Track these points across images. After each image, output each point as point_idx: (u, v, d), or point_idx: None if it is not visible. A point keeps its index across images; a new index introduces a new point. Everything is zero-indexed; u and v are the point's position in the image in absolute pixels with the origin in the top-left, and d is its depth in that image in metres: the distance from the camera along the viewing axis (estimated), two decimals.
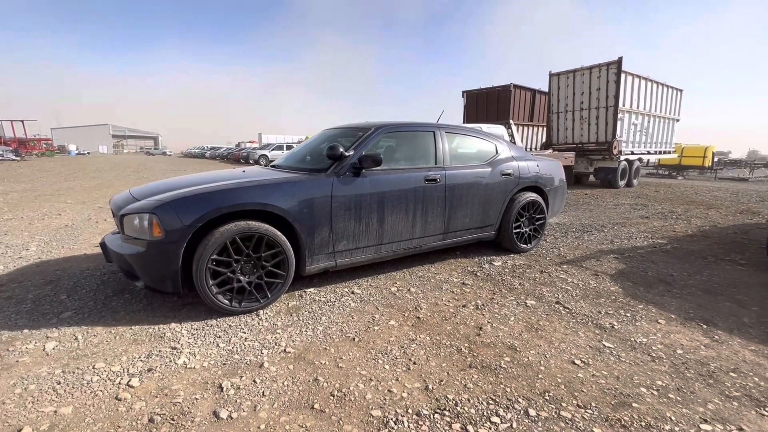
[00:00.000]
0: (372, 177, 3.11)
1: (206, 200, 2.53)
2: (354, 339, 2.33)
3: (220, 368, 2.05)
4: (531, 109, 14.44)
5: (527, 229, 4.27)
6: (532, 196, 4.22)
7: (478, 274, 3.46)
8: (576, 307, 2.78)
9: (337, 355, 2.16)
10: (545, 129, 12.71)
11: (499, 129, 8.82)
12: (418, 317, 2.60)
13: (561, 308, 2.76)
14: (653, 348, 2.25)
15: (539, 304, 2.83)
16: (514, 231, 4.08)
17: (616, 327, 2.49)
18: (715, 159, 19.20)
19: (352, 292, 2.99)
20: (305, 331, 2.42)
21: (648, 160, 13.82)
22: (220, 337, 2.34)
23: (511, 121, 10.51)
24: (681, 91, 12.23)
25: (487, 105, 14.20)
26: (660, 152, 12.12)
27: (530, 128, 13.79)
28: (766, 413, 1.75)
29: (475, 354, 2.17)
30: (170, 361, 2.11)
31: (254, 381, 1.96)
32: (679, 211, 7.04)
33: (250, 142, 43.88)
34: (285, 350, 2.21)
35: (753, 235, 5.06)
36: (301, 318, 2.58)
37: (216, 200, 2.54)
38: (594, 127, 10.31)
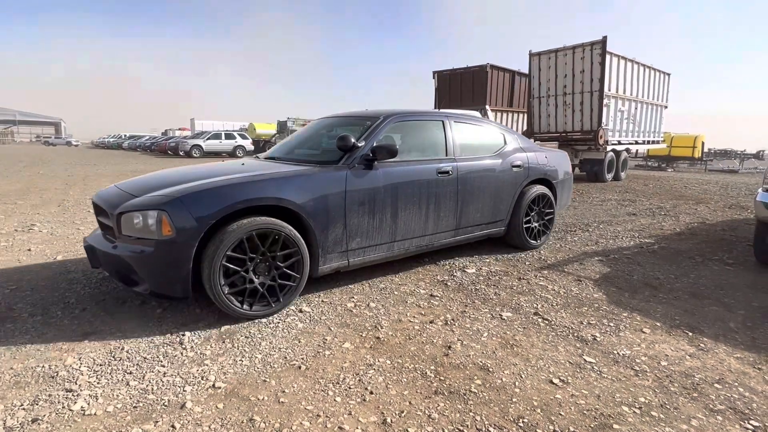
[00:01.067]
0: (384, 169, 3.38)
1: (220, 195, 2.69)
2: (300, 367, 2.29)
3: (129, 413, 1.95)
4: (510, 93, 14.94)
5: (537, 224, 4.68)
6: (541, 189, 4.61)
7: (449, 283, 3.53)
8: (556, 318, 2.89)
9: (279, 388, 2.12)
10: (526, 116, 13.20)
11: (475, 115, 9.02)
12: (378, 337, 2.61)
13: (540, 320, 2.87)
14: (637, 361, 2.38)
15: (516, 317, 2.92)
16: (524, 226, 4.47)
17: (598, 339, 2.61)
18: (705, 149, 20.77)
19: (300, 311, 2.95)
20: (240, 360, 2.36)
21: (636, 150, 14.70)
22: (131, 373, 2.23)
23: (487, 107, 10.84)
24: (668, 74, 13.11)
25: (461, 88, 14.54)
26: (648, 142, 12.93)
27: (509, 114, 14.26)
28: (750, 427, 1.91)
29: (442, 378, 2.20)
30: (63, 407, 1.98)
31: (173, 426, 1.88)
32: (667, 207, 7.55)
33: (180, 129, 42.34)
34: (214, 385, 2.14)
35: (741, 231, 5.54)
36: (235, 344, 2.52)
37: (230, 195, 2.71)
38: (578, 114, 10.83)
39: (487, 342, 2.57)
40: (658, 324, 2.84)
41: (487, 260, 4.19)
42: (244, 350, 2.46)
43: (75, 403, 2.01)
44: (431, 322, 2.82)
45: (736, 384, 2.20)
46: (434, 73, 15.44)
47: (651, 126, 12.79)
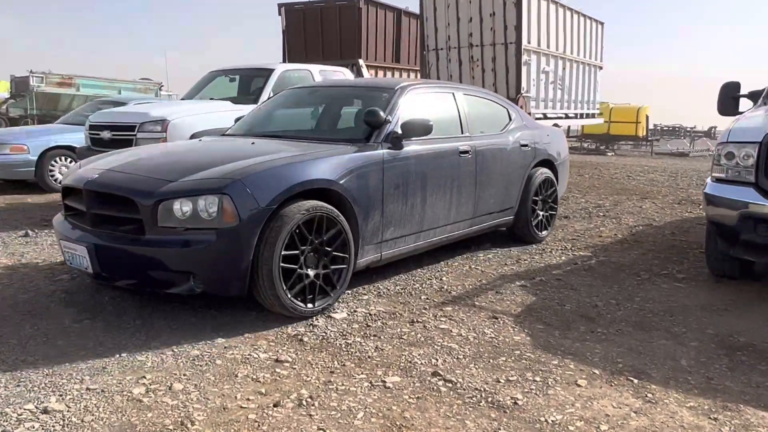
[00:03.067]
0: (412, 148, 4.47)
1: (279, 177, 3.61)
2: None
3: None
4: (395, 43, 15.68)
5: (542, 213, 6.02)
6: (546, 172, 6.01)
7: (306, 338, 3.55)
8: (463, 378, 3.05)
9: None
10: (418, 76, 13.93)
11: (341, 75, 9.24)
12: None
13: (440, 383, 3.00)
14: (571, 429, 2.62)
15: (406, 381, 3.01)
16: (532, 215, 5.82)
17: (520, 402, 2.82)
18: (650, 126, 24.28)
19: (45, 411, 2.67)
20: None
21: (568, 127, 16.54)
22: None
23: (360, 62, 11.17)
24: (602, 24, 15.04)
25: (322, 31, 14.80)
26: (582, 115, 14.65)
27: (394, 74, 14.93)
28: None
29: None
30: None
31: None
32: (607, 204, 8.61)
33: None
34: None
35: (693, 235, 6.56)
36: None
37: (287, 177, 3.64)
38: (490, 76, 11.80)
39: (362, 427, 2.59)
40: (597, 371, 3.17)
41: (365, 297, 4.29)
42: None
43: None
44: (276, 405, 2.76)
45: None
46: (280, 6, 15.47)
47: (585, 94, 14.52)
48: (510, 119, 5.83)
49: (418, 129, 4.33)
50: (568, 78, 13.47)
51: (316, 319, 3.83)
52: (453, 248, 5.59)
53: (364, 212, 4.04)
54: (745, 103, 5.25)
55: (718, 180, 4.41)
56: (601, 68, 15.23)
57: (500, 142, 5.47)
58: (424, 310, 4.05)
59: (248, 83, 8.76)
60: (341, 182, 3.89)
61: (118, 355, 3.26)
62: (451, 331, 3.69)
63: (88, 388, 2.88)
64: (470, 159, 5.01)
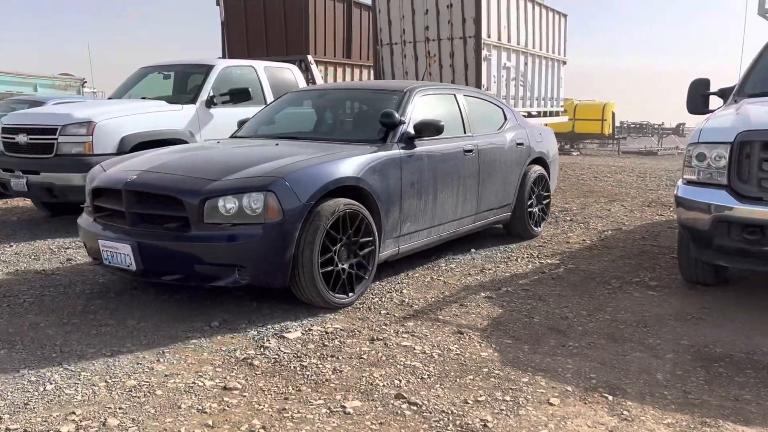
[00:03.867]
0: (424, 148, 5.20)
1: (315, 175, 4.22)
2: None
3: None
4: (346, 37, 15.69)
5: (536, 209, 6.87)
6: (539, 169, 6.90)
7: (257, 361, 3.52)
8: (429, 400, 3.07)
9: None
10: (372, 72, 13.97)
11: (288, 72, 9.20)
12: None
13: (404, 406, 3.01)
14: None
15: (368, 405, 3.01)
16: (528, 210, 6.65)
17: (490, 425, 2.85)
18: (617, 123, 24.95)
19: None
20: None
21: None
22: None
23: (309, 57, 11.13)
24: (565, 16, 15.39)
25: (265, 24, 14.70)
26: (546, 113, 14.93)
27: (345, 70, 14.92)
28: None
29: None
30: None
31: None
32: (574, 208, 8.81)
33: None
34: None
35: (664, 239, 6.76)
36: None
37: (322, 175, 4.26)
38: (448, 72, 11.92)
39: None
40: (569, 388, 3.23)
41: (320, 313, 4.28)
42: None
43: None
44: None
45: None
46: None
47: (548, 90, 14.82)
48: (506, 119, 6.68)
49: (431, 129, 5.03)
50: (530, 74, 13.70)
51: (268, 340, 3.81)
52: (413, 258, 5.64)
53: (385, 208, 4.71)
54: (715, 102, 5.40)
55: (690, 182, 4.51)
56: (564, 63, 15.56)
57: (499, 141, 6.27)
58: (384, 327, 4.05)
59: (185, 81, 8.64)
60: (367, 180, 4.53)
61: (42, 389, 3.16)
62: (414, 348, 3.70)
63: (7, 429, 2.78)
64: (474, 158, 5.77)
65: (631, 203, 9.30)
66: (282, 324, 4.08)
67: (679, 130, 28.68)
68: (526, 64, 13.34)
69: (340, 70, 14.78)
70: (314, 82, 10.10)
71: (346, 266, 4.36)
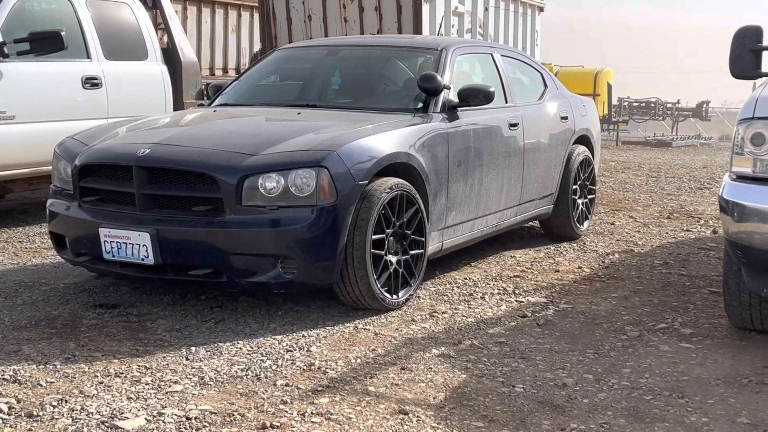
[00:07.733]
0: (468, 120, 4.71)
1: (366, 150, 3.89)
2: None
3: None
4: None
5: (581, 203, 6.05)
6: (585, 151, 6.03)
7: None
8: None
9: None
10: (254, 13, 12.08)
11: (126, 9, 7.11)
12: None
13: None
14: None
15: None
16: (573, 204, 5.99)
17: None
18: (614, 100, 19.53)
19: None
20: None
21: None
22: None
23: None
24: None
25: None
26: None
27: (215, 9, 12.07)
28: None
29: None
30: None
31: None
32: None
33: None
34: None
35: (697, 266, 5.59)
36: None
37: (373, 150, 3.94)
38: (372, 18, 9.43)
39: None
40: None
41: (177, 386, 3.07)
42: None
43: None
44: None
45: None
46: None
47: (517, 48, 12.53)
48: (545, 86, 5.93)
49: (480, 96, 4.48)
50: (493, 23, 11.36)
51: None
52: (324, 295, 4.36)
53: (433, 191, 4.25)
54: None
55: (742, 177, 3.47)
56: (542, 9, 12.98)
57: (543, 113, 5.58)
58: (282, 406, 2.86)
59: None
60: (417, 157, 4.10)
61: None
62: None
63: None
64: (519, 133, 5.13)
65: (643, 213, 7.84)
66: (116, 405, 2.81)
67: (700, 112, 24.11)
68: (486, 9, 11.12)
69: (206, 10, 12.05)
70: (166, 27, 8.12)
71: (394, 260, 3.98)
